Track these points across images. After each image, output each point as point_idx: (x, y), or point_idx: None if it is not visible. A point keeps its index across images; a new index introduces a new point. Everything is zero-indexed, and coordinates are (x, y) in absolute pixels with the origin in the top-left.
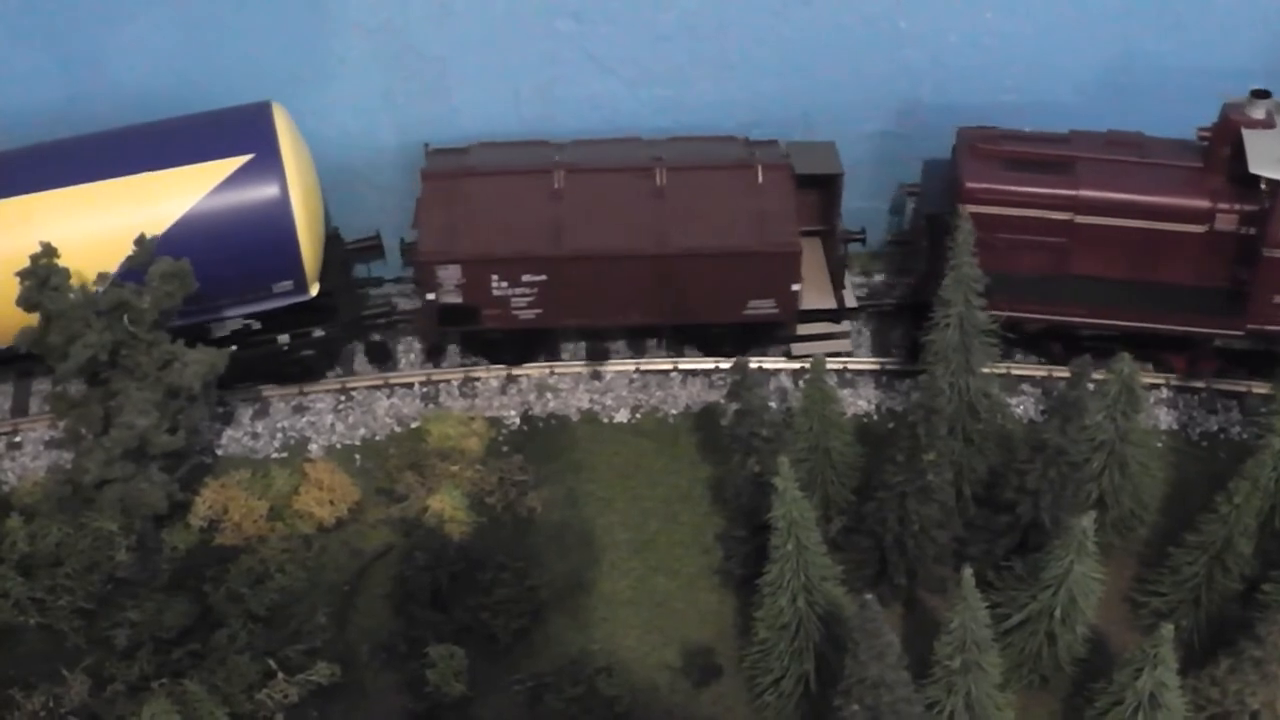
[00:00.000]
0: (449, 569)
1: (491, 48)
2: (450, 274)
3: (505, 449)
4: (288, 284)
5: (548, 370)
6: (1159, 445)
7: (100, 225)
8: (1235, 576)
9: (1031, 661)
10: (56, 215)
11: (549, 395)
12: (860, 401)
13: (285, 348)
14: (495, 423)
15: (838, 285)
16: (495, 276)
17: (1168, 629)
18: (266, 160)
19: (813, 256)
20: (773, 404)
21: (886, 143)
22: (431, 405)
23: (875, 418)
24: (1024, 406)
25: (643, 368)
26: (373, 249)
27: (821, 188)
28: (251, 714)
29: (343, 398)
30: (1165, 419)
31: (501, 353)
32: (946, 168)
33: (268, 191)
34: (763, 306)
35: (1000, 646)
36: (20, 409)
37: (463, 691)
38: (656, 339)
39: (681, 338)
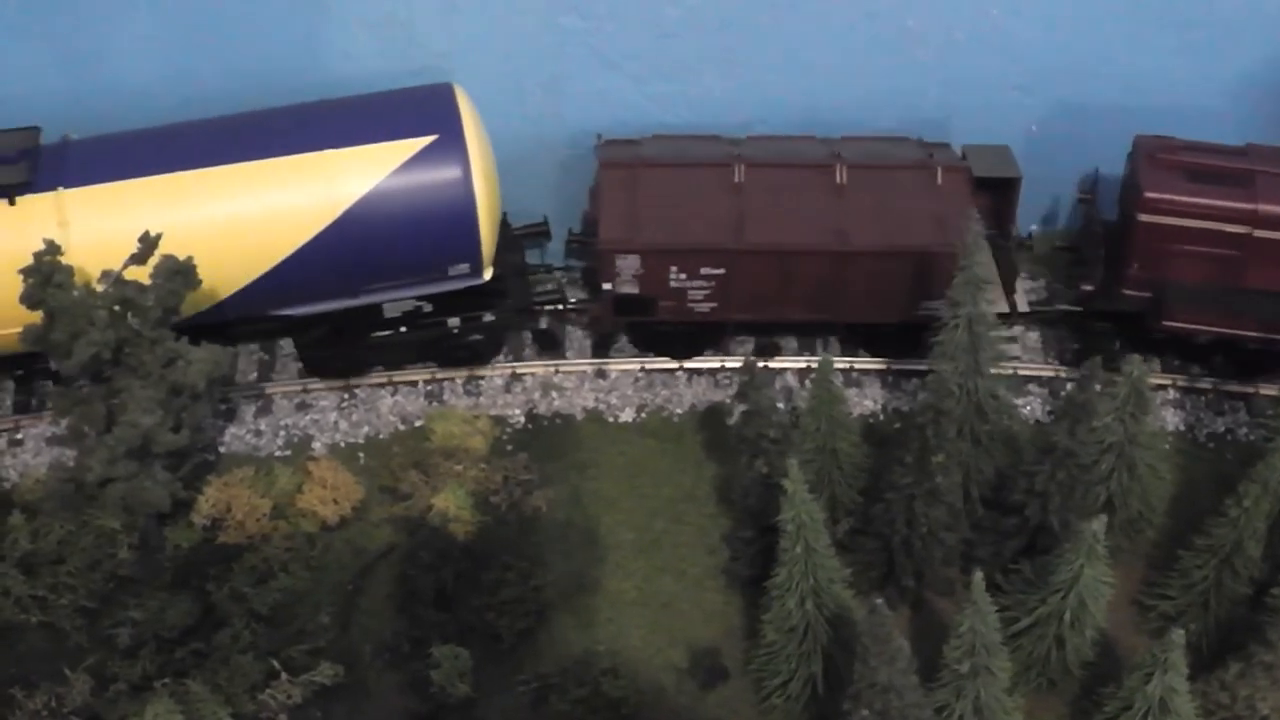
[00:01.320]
0: (453, 569)
1: (496, 43)
2: (629, 264)
3: (510, 448)
4: (464, 267)
5: (552, 369)
6: (1166, 447)
7: (281, 201)
8: (1244, 580)
9: (1040, 665)
10: (241, 188)
11: (554, 394)
12: (866, 401)
13: (455, 331)
14: (500, 421)
15: (1009, 289)
16: (674, 268)
17: (1179, 634)
18: (450, 142)
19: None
20: (779, 404)
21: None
22: (435, 403)
23: (881, 418)
24: (1031, 408)
25: (647, 366)
26: (540, 234)
27: (995, 191)
28: (254, 714)
29: (346, 395)
30: (1172, 420)
31: (670, 346)
32: (1122, 176)
33: (450, 173)
34: (936, 308)
35: (1008, 650)
36: (22, 406)
37: (467, 692)
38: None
39: (846, 337)
